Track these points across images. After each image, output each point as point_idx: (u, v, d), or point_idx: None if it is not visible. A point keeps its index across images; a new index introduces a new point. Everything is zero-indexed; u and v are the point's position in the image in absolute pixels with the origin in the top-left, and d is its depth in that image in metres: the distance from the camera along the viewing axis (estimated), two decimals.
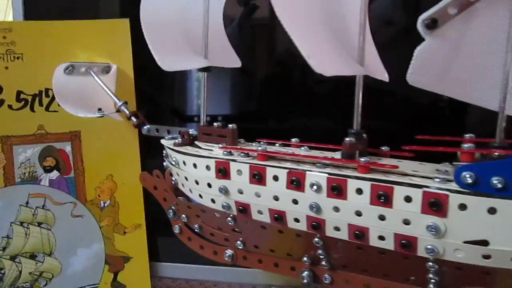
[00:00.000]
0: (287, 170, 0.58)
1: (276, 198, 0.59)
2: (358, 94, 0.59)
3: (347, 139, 0.57)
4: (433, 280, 0.54)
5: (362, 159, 0.54)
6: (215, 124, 0.71)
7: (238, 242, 0.69)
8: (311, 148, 0.67)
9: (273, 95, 0.93)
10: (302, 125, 0.89)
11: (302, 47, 0.44)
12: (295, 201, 0.58)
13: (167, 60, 0.64)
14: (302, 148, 0.67)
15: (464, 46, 0.53)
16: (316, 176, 0.56)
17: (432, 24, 0.51)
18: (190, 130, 0.73)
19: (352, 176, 0.54)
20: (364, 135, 0.61)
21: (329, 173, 0.55)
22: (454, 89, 0.54)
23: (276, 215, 0.60)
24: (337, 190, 0.54)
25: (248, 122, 0.90)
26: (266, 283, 0.97)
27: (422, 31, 0.51)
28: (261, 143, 0.71)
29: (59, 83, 0.78)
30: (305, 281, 0.64)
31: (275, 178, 0.59)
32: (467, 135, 0.58)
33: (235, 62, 0.76)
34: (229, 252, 0.71)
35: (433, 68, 0.53)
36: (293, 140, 0.69)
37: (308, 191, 0.56)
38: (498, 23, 0.51)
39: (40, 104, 0.85)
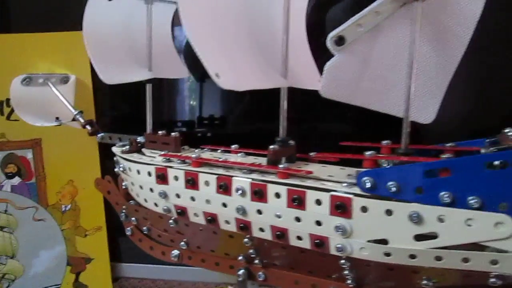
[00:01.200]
0: (216, 176, 0.62)
1: (208, 202, 0.64)
2: (283, 105, 0.63)
3: (271, 146, 0.62)
4: (348, 276, 0.59)
5: (281, 166, 0.59)
6: (159, 132, 0.75)
7: (182, 243, 0.73)
8: (247, 154, 0.71)
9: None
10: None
11: (210, 66, 0.49)
12: (224, 205, 0.62)
13: (109, 73, 0.68)
14: (239, 154, 0.71)
15: (373, 60, 0.57)
16: (241, 181, 0.60)
17: (340, 41, 0.55)
18: (138, 138, 0.78)
19: (271, 181, 0.58)
20: (291, 142, 0.65)
21: (252, 179, 0.59)
22: (366, 99, 0.59)
23: (209, 218, 0.65)
24: (258, 194, 0.59)
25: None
26: (228, 282, 1.02)
27: (332, 47, 0.56)
28: (204, 149, 0.76)
29: (16, 94, 0.82)
30: (240, 278, 0.68)
31: (207, 183, 0.63)
32: (384, 142, 0.62)
33: (182, 72, 0.80)
34: (175, 252, 0.75)
35: (344, 81, 0.57)
36: (233, 146, 0.74)
37: (234, 195, 0.61)
38: (401, 40, 0.56)
39: (1, 113, 0.89)
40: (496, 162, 0.47)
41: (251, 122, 1.01)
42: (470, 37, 0.58)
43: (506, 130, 0.56)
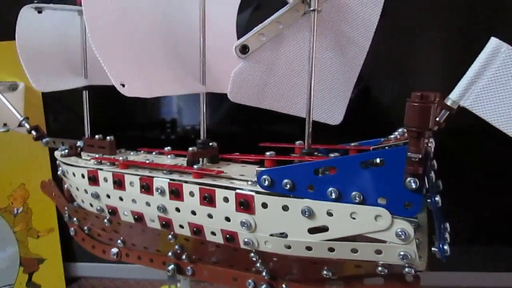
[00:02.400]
0: (139, 177, 0.66)
1: (134, 201, 0.67)
2: (203, 109, 0.67)
3: (190, 148, 0.66)
4: (260, 269, 0.63)
5: (195, 166, 0.63)
6: (96, 136, 0.79)
7: (119, 241, 0.77)
8: (177, 156, 0.75)
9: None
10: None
11: (114, 76, 0.52)
12: (148, 204, 0.66)
13: (42, 81, 0.72)
14: (169, 156, 0.75)
15: (278, 67, 0.62)
16: (160, 181, 0.64)
17: (244, 50, 0.59)
18: (78, 142, 0.81)
19: (186, 181, 0.62)
20: (212, 144, 0.69)
21: (170, 179, 0.63)
22: (274, 103, 0.63)
23: (136, 216, 0.69)
24: (175, 193, 0.63)
25: None
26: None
27: (237, 55, 0.60)
28: (140, 152, 0.79)
29: None
30: (169, 273, 0.72)
31: (131, 184, 0.67)
32: (297, 142, 0.67)
33: None
34: (114, 250, 0.79)
35: (251, 86, 0.61)
36: (166, 148, 0.77)
37: (155, 194, 0.65)
38: (302, 48, 0.60)
39: None
40: (378, 160, 0.52)
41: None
42: (369, 44, 0.63)
43: (399, 130, 0.60)
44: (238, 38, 0.74)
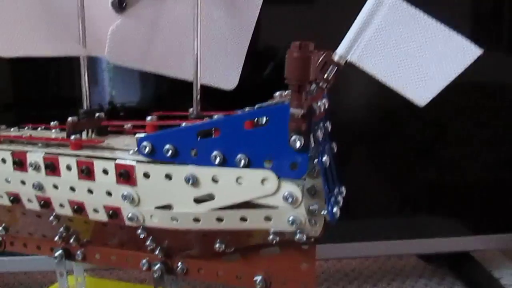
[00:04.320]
0: (10, 152, 0.58)
1: (7, 180, 0.60)
2: (84, 75, 0.61)
3: (69, 118, 0.59)
4: (151, 247, 0.58)
5: (72, 137, 0.56)
6: None
7: (0, 228, 0.69)
8: (63, 130, 0.68)
9: None
10: None
11: None
12: (22, 182, 0.59)
13: None
14: (53, 130, 0.68)
15: (162, 25, 0.56)
16: (34, 155, 0.57)
17: (120, 5, 0.53)
18: None
19: (62, 153, 0.55)
20: (99, 114, 0.63)
21: (45, 152, 0.56)
22: (160, 65, 0.58)
23: (11, 198, 0.61)
24: (50, 167, 0.56)
25: None
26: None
27: (114, 11, 0.54)
28: (24, 128, 0.71)
29: None
30: (56, 260, 0.65)
31: (3, 160, 0.59)
32: (191, 109, 0.62)
33: None
34: None
35: (132, 46, 0.56)
36: (52, 123, 0.70)
37: (30, 170, 0.57)
38: (187, 5, 0.55)
39: None
40: (264, 120, 0.48)
41: None
42: (261, 1, 0.59)
43: None
44: None
